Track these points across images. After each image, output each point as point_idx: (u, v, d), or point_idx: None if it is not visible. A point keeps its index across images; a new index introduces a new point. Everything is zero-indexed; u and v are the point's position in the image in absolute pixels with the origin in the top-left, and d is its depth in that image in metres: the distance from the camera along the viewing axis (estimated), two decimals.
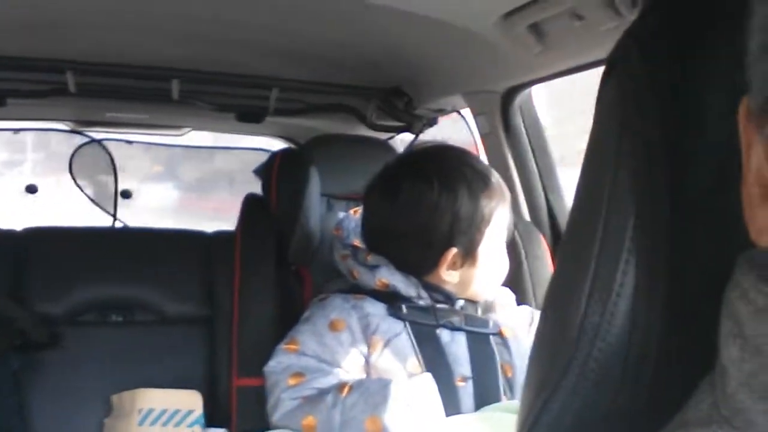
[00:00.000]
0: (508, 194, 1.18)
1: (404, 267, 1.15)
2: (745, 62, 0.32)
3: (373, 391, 1.04)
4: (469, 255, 1.14)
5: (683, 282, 0.38)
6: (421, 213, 1.12)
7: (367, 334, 1.11)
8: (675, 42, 0.39)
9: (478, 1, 1.08)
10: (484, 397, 1.09)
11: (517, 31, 1.12)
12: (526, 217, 1.48)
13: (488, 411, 1.04)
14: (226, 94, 1.78)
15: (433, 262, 1.14)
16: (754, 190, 0.31)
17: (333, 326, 1.12)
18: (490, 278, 1.18)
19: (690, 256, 0.38)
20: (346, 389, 1.05)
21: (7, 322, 1.23)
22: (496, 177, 1.17)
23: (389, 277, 1.14)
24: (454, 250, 1.13)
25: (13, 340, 1.24)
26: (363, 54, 1.47)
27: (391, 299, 1.15)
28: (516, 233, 1.33)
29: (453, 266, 1.14)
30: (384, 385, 1.04)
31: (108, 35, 1.42)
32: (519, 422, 0.44)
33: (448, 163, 1.15)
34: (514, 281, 1.30)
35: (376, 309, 1.13)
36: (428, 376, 1.05)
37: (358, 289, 1.17)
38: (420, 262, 1.15)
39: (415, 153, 1.23)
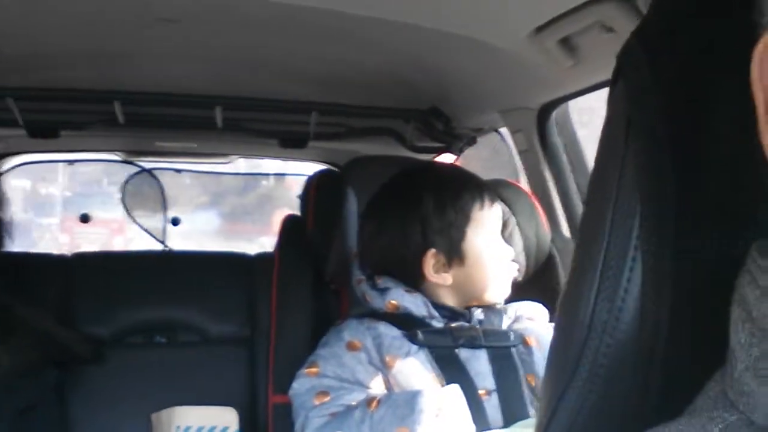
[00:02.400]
0: (487, 192, 1.21)
1: (405, 282, 1.18)
2: None
3: (400, 403, 1.04)
4: (454, 254, 1.17)
5: (691, 278, 0.38)
6: (393, 227, 1.19)
7: (382, 353, 1.12)
8: (681, 40, 0.39)
9: (506, 17, 1.08)
10: (510, 409, 1.09)
11: (547, 46, 1.12)
12: (566, 232, 1.46)
13: (517, 428, 1.03)
14: (267, 120, 1.81)
15: (418, 270, 1.17)
16: None
17: (350, 347, 1.14)
18: (488, 272, 1.19)
19: (697, 252, 0.38)
20: (374, 404, 1.05)
21: (48, 338, 1.27)
22: (469, 179, 1.22)
23: (399, 298, 1.16)
24: (432, 251, 1.17)
25: (53, 356, 1.28)
26: (397, 76, 1.48)
27: (405, 324, 1.15)
28: (553, 248, 1.32)
29: (440, 268, 1.17)
30: (412, 396, 1.04)
31: (152, 65, 1.47)
32: (537, 422, 0.44)
33: (415, 176, 1.26)
34: (552, 297, 1.29)
35: (389, 330, 1.14)
36: (455, 387, 1.05)
37: (374, 314, 1.18)
38: (409, 275, 1.18)
39: (395, 175, 1.26)
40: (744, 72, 0.33)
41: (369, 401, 1.06)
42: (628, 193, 0.39)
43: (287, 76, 1.54)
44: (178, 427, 1.29)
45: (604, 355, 0.39)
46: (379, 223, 1.22)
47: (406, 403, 1.03)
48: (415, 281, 1.18)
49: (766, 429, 0.30)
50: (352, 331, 1.15)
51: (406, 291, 1.17)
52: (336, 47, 1.33)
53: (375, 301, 1.18)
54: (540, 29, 1.08)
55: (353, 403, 1.07)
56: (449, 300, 1.19)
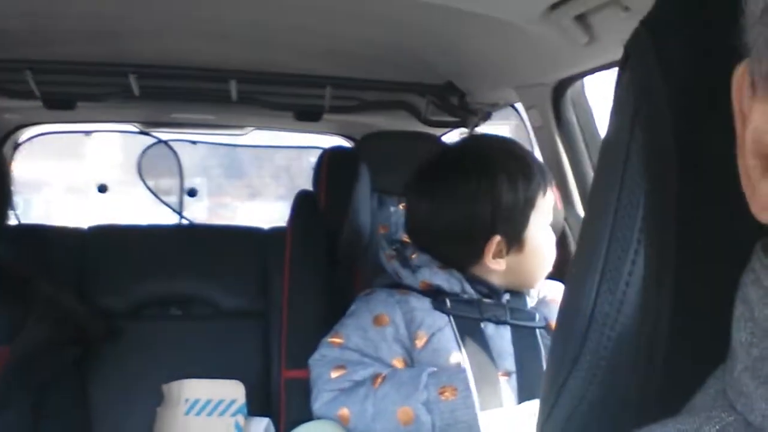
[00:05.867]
0: (549, 177, 1.17)
1: (449, 262, 1.14)
2: (741, 25, 0.30)
3: (404, 380, 1.03)
4: (515, 241, 1.12)
5: (693, 271, 0.38)
6: (459, 205, 1.12)
7: (411, 329, 1.10)
8: (688, 32, 0.39)
9: None
10: (528, 391, 1.07)
11: (563, 23, 1.10)
12: (579, 211, 1.46)
13: (528, 404, 1.03)
14: (282, 94, 1.81)
15: (478, 253, 1.12)
16: (753, 162, 0.30)
17: (377, 321, 1.12)
18: (540, 262, 1.16)
19: (699, 246, 0.38)
20: (379, 380, 1.05)
21: (66, 316, 1.28)
22: (536, 161, 1.17)
23: (431, 277, 1.14)
24: (497, 238, 1.11)
25: (71, 334, 1.29)
26: (413, 51, 1.47)
27: (435, 294, 1.14)
28: (567, 227, 1.31)
29: (499, 254, 1.13)
30: (416, 374, 1.03)
31: (167, 40, 1.47)
32: (540, 407, 0.44)
33: (484, 152, 1.16)
34: (564, 275, 1.28)
35: (420, 303, 1.13)
36: (464, 368, 1.04)
37: (404, 286, 1.17)
38: (465, 255, 1.14)
39: (450, 147, 1.22)
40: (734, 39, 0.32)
41: (375, 378, 1.06)
42: (631, 186, 0.39)
43: (302, 50, 1.53)
44: (187, 399, 1.32)
45: (606, 347, 0.39)
46: (440, 199, 1.14)
47: (410, 380, 1.03)
48: (470, 261, 1.14)
49: (763, 430, 0.30)
50: (381, 303, 1.13)
51: (440, 268, 1.14)
52: (351, 23, 1.32)
53: (407, 279, 1.16)
54: (555, 6, 1.07)
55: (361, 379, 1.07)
56: (495, 283, 1.16)
